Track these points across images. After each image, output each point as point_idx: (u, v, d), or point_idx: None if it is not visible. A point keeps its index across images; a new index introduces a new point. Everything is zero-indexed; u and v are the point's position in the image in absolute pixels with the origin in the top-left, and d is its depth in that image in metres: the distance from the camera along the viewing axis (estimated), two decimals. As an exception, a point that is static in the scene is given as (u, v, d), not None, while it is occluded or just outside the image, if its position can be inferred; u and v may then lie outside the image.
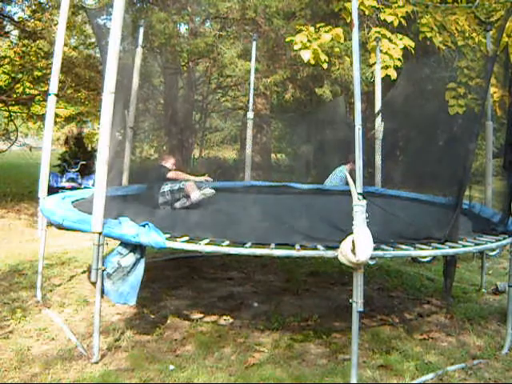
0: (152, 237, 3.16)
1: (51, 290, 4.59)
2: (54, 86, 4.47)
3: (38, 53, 9.68)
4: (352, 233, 2.93)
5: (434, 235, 3.54)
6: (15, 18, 10.22)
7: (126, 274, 3.22)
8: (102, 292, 3.25)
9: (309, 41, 6.51)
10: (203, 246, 3.25)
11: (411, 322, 4.18)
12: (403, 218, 4.35)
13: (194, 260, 5.88)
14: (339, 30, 6.70)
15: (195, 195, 5.01)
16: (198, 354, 3.38)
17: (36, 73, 10.40)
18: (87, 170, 10.04)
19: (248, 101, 7.37)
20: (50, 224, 4.33)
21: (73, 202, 4.61)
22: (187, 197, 5.04)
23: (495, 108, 6.13)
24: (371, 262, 3.00)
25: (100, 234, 3.22)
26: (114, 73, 3.23)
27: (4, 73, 11.33)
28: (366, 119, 7.63)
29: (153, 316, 4.06)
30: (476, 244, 3.63)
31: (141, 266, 3.26)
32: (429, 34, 7.22)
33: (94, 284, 3.39)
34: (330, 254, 3.11)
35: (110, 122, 3.23)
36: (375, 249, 3.02)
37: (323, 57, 6.62)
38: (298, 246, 3.26)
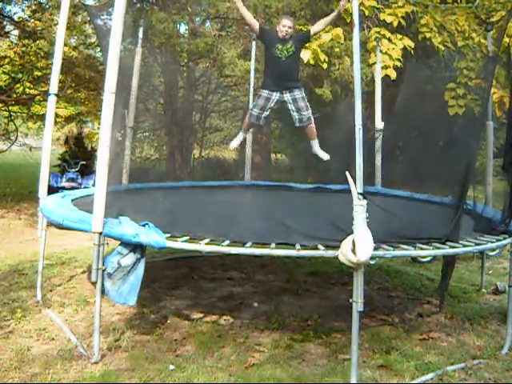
0: (152, 236, 3.17)
1: (51, 290, 4.59)
2: (53, 86, 4.47)
3: (38, 53, 9.64)
4: (352, 233, 2.94)
5: (435, 235, 3.54)
6: (15, 17, 10.20)
7: (127, 273, 3.22)
8: (102, 292, 3.25)
9: (308, 41, 6.50)
10: (203, 246, 3.25)
11: (411, 322, 4.18)
12: (404, 218, 4.34)
13: (194, 260, 5.87)
14: (339, 30, 6.71)
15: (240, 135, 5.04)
16: (197, 354, 3.38)
17: (36, 73, 10.38)
18: (87, 170, 10.03)
19: (248, 101, 7.35)
20: (49, 224, 4.33)
21: (73, 201, 4.61)
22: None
23: (494, 109, 6.14)
24: (371, 262, 3.00)
25: (100, 233, 3.22)
26: (115, 73, 3.23)
27: (4, 73, 11.31)
28: (367, 119, 7.62)
29: (153, 316, 4.06)
30: (476, 244, 3.62)
31: (141, 266, 3.26)
32: (428, 35, 7.24)
33: (94, 284, 3.39)
34: (330, 253, 3.11)
35: (111, 121, 3.23)
36: (375, 249, 3.02)
37: (323, 57, 6.64)
38: (298, 246, 3.25)
